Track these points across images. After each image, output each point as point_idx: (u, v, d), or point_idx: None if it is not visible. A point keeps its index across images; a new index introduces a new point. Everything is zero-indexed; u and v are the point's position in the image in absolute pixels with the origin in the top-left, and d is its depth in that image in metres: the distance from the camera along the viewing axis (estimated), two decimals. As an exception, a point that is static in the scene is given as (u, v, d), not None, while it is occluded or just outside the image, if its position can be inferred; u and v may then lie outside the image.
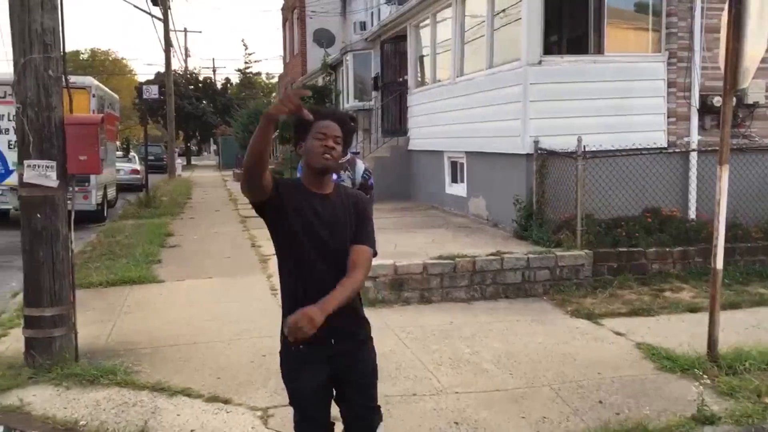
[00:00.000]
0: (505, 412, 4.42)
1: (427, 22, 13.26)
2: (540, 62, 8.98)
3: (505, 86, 9.52)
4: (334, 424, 2.98)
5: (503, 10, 10.10)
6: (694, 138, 9.30)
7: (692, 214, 9.16)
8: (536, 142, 8.82)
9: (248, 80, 59.74)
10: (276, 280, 3.13)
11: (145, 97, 18.87)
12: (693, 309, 6.74)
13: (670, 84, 9.32)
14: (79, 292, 6.28)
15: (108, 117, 14.50)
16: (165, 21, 27.69)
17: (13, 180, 6.10)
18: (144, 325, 6.37)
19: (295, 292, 2.76)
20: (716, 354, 5.15)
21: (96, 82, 14.29)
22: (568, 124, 8.83)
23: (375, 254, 2.91)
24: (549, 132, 8.86)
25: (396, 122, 16.05)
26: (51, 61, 4.98)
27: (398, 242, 8.64)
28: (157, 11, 27.18)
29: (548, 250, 7.73)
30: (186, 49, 49.53)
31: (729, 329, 5.71)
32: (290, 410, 2.98)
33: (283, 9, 34.67)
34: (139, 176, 22.85)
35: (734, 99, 7.10)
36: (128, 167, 23.55)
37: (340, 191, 2.90)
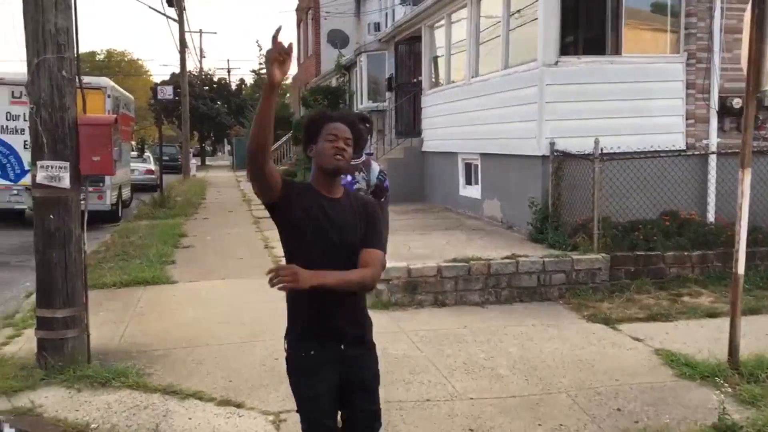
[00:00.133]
0: (521, 419, 4.34)
1: (442, 22, 13.17)
2: (556, 63, 8.88)
3: (521, 87, 9.43)
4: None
5: (519, 11, 10.00)
6: (713, 140, 9.16)
7: (711, 217, 9.02)
8: (552, 144, 8.72)
9: (262, 81, 59.88)
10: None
11: (159, 97, 18.98)
12: (712, 314, 6.63)
13: (689, 85, 9.19)
14: (92, 292, 6.27)
15: (123, 117, 14.59)
16: (180, 22, 27.78)
17: (28, 180, 6.11)
18: (156, 327, 6.34)
19: (303, 294, 2.68)
20: (737, 361, 5.04)
21: (111, 83, 14.34)
22: (585, 125, 8.73)
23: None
24: (565, 134, 8.76)
25: (410, 123, 15.98)
26: (65, 62, 4.95)
27: (412, 244, 8.57)
28: (172, 12, 27.31)
29: (564, 253, 7.63)
30: (201, 50, 49.95)
31: (750, 335, 5.59)
32: (303, 416, 2.92)
33: (297, 10, 34.70)
34: (153, 176, 22.93)
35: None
36: (143, 167, 23.66)
37: (350, 195, 2.90)
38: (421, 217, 11.75)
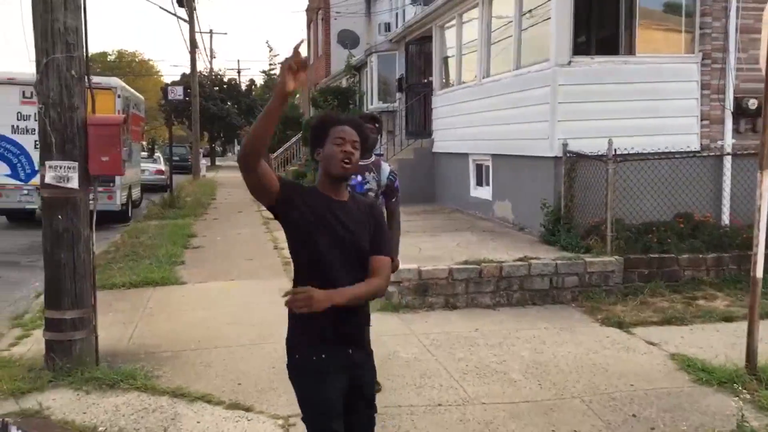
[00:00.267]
0: (534, 425, 4.26)
1: (453, 22, 13.10)
2: (569, 63, 8.79)
3: (533, 87, 9.34)
4: None
5: (531, 10, 9.91)
6: (728, 141, 9.04)
7: (726, 219, 8.90)
8: (565, 145, 8.62)
9: (272, 81, 59.97)
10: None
11: (170, 98, 18.99)
12: (728, 318, 6.52)
13: (704, 86, 9.07)
14: (101, 293, 6.25)
15: (133, 118, 14.60)
16: (190, 22, 27.83)
17: (38, 180, 6.07)
18: (165, 328, 6.30)
19: None
20: (755, 366, 4.94)
21: (121, 83, 14.35)
22: (598, 126, 8.64)
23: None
24: (577, 134, 8.67)
25: (420, 124, 15.91)
26: (74, 61, 4.92)
27: (422, 246, 8.50)
28: (182, 13, 27.36)
29: (577, 255, 7.53)
30: (211, 51, 49.98)
31: (768, 340, 5.49)
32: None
33: (307, 10, 34.69)
34: (163, 176, 22.97)
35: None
36: (153, 167, 23.70)
37: (355, 198, 2.89)
38: (432, 218, 11.68)
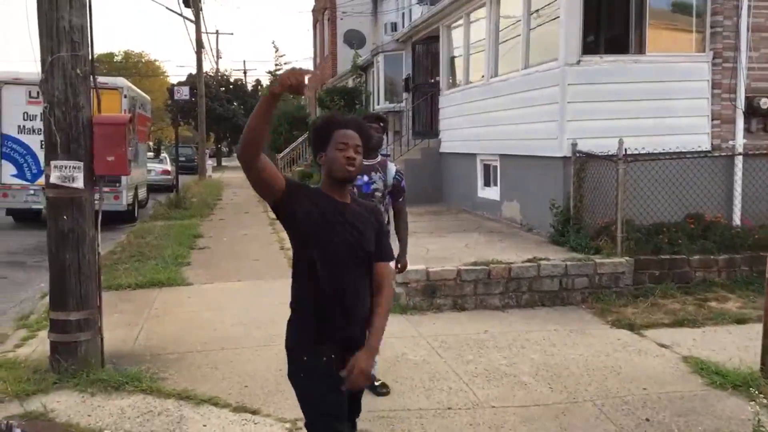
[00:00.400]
0: (546, 429, 4.19)
1: (460, 22, 13.02)
2: (578, 62, 8.70)
3: (542, 87, 9.25)
4: None
5: (538, 9, 9.83)
6: (740, 141, 8.93)
7: (737, 220, 8.79)
8: (574, 145, 8.53)
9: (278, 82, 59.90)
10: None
11: (176, 98, 18.95)
12: (741, 320, 6.43)
13: (715, 85, 8.97)
14: (107, 294, 6.20)
15: (140, 118, 14.58)
16: (197, 22, 27.82)
17: (44, 180, 6.05)
18: (171, 330, 6.25)
19: (320, 296, 2.68)
20: (770, 370, 4.85)
21: (128, 83, 14.33)
22: (607, 126, 8.55)
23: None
24: (587, 134, 8.57)
25: (427, 124, 15.84)
26: (79, 60, 4.87)
27: (430, 246, 8.43)
28: (189, 13, 27.33)
29: (587, 257, 7.45)
30: (217, 51, 49.92)
31: (782, 343, 5.39)
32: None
33: (313, 10, 34.64)
34: (169, 177, 22.98)
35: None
36: (159, 168, 23.70)
37: (358, 201, 2.93)
38: (439, 218, 11.60)
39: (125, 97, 13.37)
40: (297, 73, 2.47)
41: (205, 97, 30.89)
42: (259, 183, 2.60)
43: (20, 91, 12.83)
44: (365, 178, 4.65)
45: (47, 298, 6.25)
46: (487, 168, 11.85)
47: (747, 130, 9.01)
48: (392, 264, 4.95)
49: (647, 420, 4.31)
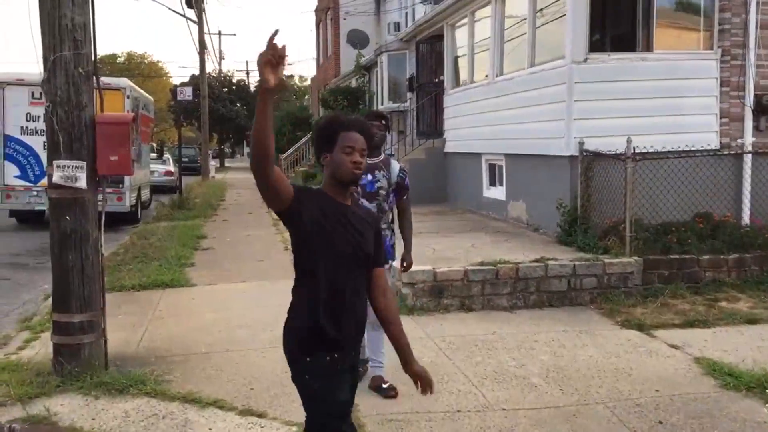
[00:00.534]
0: (558, 433, 4.11)
1: (465, 21, 12.94)
2: (585, 60, 8.61)
3: (548, 85, 9.17)
4: None
5: (545, 8, 9.74)
6: (748, 139, 8.85)
7: (746, 219, 8.70)
8: (581, 144, 8.45)
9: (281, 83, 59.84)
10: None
11: (179, 98, 18.95)
12: (752, 320, 6.35)
13: (723, 83, 8.88)
14: (110, 295, 6.14)
15: (143, 118, 14.52)
16: (199, 23, 27.77)
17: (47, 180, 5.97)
18: (175, 331, 6.18)
19: (321, 296, 2.68)
20: (785, 371, 4.76)
21: (130, 84, 14.27)
22: (615, 124, 8.46)
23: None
24: (594, 133, 8.49)
25: (431, 124, 15.76)
26: (81, 58, 4.80)
27: (436, 247, 8.34)
28: (191, 14, 27.30)
29: (595, 256, 7.36)
30: (220, 52, 49.95)
31: (796, 344, 5.32)
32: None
33: (316, 10, 34.56)
34: (173, 178, 22.92)
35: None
36: (162, 169, 23.64)
37: (357, 204, 2.99)
38: (444, 218, 11.52)
39: (128, 97, 13.31)
40: (268, 54, 2.29)
41: (208, 97, 30.86)
42: (271, 193, 2.55)
43: (23, 91, 12.79)
44: (369, 176, 4.61)
45: (50, 300, 6.19)
46: (492, 167, 11.77)
47: (756, 128, 8.92)
48: (397, 263, 4.90)
49: (660, 423, 4.23)
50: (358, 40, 22.97)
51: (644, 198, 8.00)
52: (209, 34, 38.18)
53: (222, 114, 44.00)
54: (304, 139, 24.99)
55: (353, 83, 23.08)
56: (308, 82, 55.09)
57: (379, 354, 4.76)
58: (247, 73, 58.09)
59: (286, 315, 2.86)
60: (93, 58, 4.94)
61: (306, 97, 56.82)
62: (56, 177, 4.76)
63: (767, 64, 8.71)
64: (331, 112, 20.02)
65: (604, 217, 8.24)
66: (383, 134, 4.84)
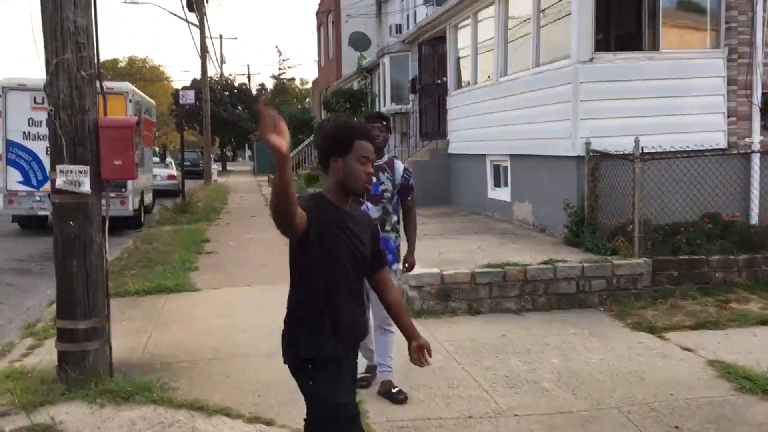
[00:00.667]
0: (572, 438, 4.03)
1: (468, 21, 12.87)
2: (591, 60, 8.53)
3: (554, 86, 9.09)
4: None
5: (549, 7, 9.66)
6: (756, 138, 8.77)
7: (755, 218, 8.63)
8: (588, 144, 8.37)
9: (283, 86, 59.99)
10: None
11: (182, 102, 18.87)
12: (764, 321, 6.28)
13: (730, 81, 8.80)
14: (114, 300, 6.05)
15: (145, 123, 14.47)
16: (201, 27, 27.73)
17: (50, 185, 5.90)
18: (181, 337, 6.11)
19: (323, 301, 2.72)
20: (801, 374, 4.68)
21: (133, 87, 14.22)
22: (621, 124, 8.39)
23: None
24: (600, 133, 8.41)
25: (435, 125, 15.69)
26: (84, 61, 4.73)
27: (442, 249, 8.26)
28: (193, 18, 27.26)
29: (604, 258, 7.28)
30: (221, 56, 49.92)
31: (811, 346, 5.23)
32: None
33: (317, 13, 34.53)
34: (175, 182, 22.86)
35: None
36: (165, 173, 23.57)
37: (355, 209, 2.98)
38: (449, 220, 11.44)
39: (130, 101, 13.26)
40: (268, 120, 2.27)
41: (210, 101, 30.82)
42: (291, 230, 2.56)
43: (25, 97, 12.74)
44: (373, 179, 4.54)
45: (54, 306, 6.13)
46: (497, 168, 11.69)
47: (764, 127, 8.86)
48: (399, 264, 4.83)
49: (676, 428, 4.15)
50: (360, 42, 22.90)
51: (652, 198, 7.93)
52: (211, 38, 38.22)
53: (224, 118, 43.97)
54: (306, 142, 24.94)
55: (355, 85, 23.04)
56: (309, 85, 55.11)
57: (388, 358, 4.69)
58: (249, 77, 58.18)
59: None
60: (96, 61, 4.87)
61: (307, 99, 56.84)
62: (59, 182, 4.69)
63: (775, 62, 8.63)
64: (333, 115, 19.97)
65: (612, 217, 8.16)
66: (386, 135, 4.80)
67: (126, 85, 13.77)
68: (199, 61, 29.13)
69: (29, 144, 12.90)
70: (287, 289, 2.94)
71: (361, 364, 4.81)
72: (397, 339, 3.24)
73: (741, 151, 8.68)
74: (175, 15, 32.07)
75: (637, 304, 6.88)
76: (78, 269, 4.77)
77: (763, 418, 4.26)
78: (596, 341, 5.84)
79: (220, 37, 49.89)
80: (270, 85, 59.44)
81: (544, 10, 9.77)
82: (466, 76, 13.44)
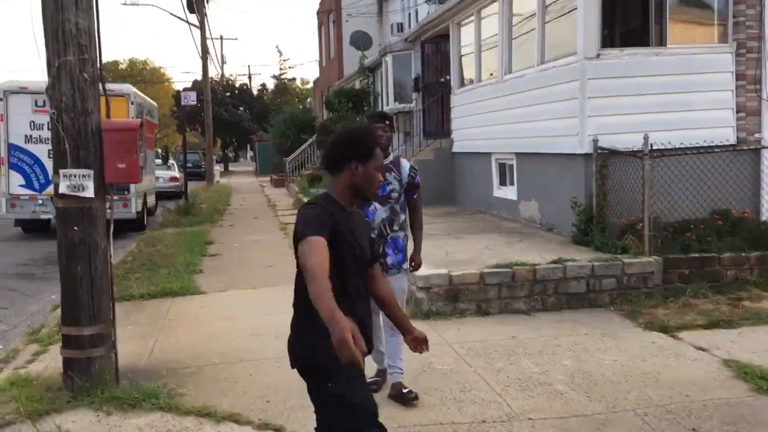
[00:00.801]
0: (588, 443, 3.94)
1: (471, 19, 12.77)
2: (598, 56, 8.43)
3: (560, 82, 9.00)
4: None
5: (551, 4, 9.56)
6: (766, 134, 8.67)
7: (765, 215, 8.51)
8: (596, 141, 8.27)
9: (283, 86, 59.91)
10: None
11: (183, 103, 18.78)
12: (778, 320, 6.17)
13: (739, 76, 8.70)
14: (118, 305, 5.97)
15: (147, 125, 14.37)
16: (201, 28, 27.64)
17: (53, 189, 5.81)
18: (186, 341, 6.03)
19: (346, 304, 2.62)
20: (820, 374, 4.59)
21: (134, 89, 14.16)
22: (629, 121, 8.30)
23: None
24: (608, 130, 8.30)
25: (438, 124, 15.59)
26: (86, 63, 4.65)
27: (449, 249, 8.18)
28: (193, 19, 27.17)
29: (614, 256, 7.18)
30: (222, 57, 49.86)
31: (829, 344, 5.14)
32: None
33: (318, 13, 34.43)
34: (178, 183, 22.80)
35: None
36: (167, 175, 23.50)
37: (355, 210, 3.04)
38: (455, 220, 11.35)
39: (132, 103, 13.19)
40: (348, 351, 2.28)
41: (211, 102, 30.74)
42: None
43: (26, 100, 12.68)
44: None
45: (58, 311, 6.06)
46: (502, 167, 11.60)
47: (773, 122, 8.73)
48: (406, 264, 4.75)
49: (694, 430, 4.07)
50: (361, 41, 22.80)
51: (660, 195, 7.82)
52: (211, 38, 38.12)
53: (225, 118, 43.88)
54: (308, 142, 24.86)
55: (357, 85, 22.94)
56: (310, 85, 55.03)
57: (398, 360, 4.63)
58: (249, 77, 58.10)
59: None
60: (98, 63, 4.80)
61: (308, 99, 56.74)
62: (63, 186, 4.61)
63: (784, 56, 8.53)
64: (336, 114, 19.88)
65: (621, 215, 8.06)
66: (389, 135, 4.74)
67: (128, 87, 13.71)
68: (199, 62, 29.02)
69: (31, 147, 12.84)
70: (292, 291, 2.91)
71: (371, 368, 4.74)
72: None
73: (751, 147, 8.57)
74: (175, 16, 32.14)
75: (648, 303, 6.78)
76: (83, 274, 4.69)
77: (783, 419, 4.17)
78: (608, 341, 5.75)
79: (221, 37, 49.68)
80: (271, 85, 59.33)
81: (548, 5, 9.67)
82: (469, 74, 13.33)
